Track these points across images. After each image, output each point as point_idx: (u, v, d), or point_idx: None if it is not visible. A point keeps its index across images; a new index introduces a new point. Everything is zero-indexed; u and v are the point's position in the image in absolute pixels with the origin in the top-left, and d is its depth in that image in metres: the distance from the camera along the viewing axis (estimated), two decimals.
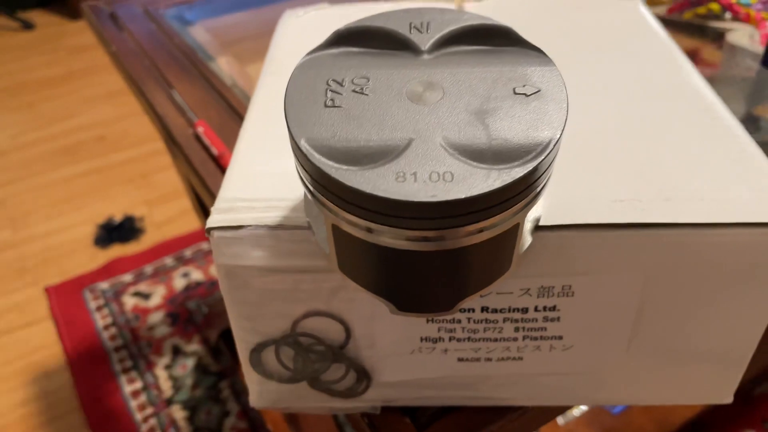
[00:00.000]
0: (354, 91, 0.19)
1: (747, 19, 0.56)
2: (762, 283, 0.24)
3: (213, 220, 0.23)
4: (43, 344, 1.02)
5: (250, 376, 0.28)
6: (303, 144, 0.18)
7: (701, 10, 0.57)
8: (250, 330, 0.26)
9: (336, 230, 0.20)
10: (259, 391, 0.28)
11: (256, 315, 0.25)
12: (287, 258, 0.23)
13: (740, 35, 0.58)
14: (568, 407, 0.32)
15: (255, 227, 0.23)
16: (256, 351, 0.26)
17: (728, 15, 0.57)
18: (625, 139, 0.26)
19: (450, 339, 0.26)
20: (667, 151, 0.25)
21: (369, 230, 0.18)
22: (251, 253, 0.23)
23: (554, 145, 0.18)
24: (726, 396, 0.29)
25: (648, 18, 0.36)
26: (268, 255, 0.23)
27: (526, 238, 0.22)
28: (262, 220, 0.23)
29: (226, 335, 0.99)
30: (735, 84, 0.62)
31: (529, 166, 0.17)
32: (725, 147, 0.26)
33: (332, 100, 0.19)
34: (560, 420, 0.72)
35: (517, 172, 0.17)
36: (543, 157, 0.17)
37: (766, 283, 0.24)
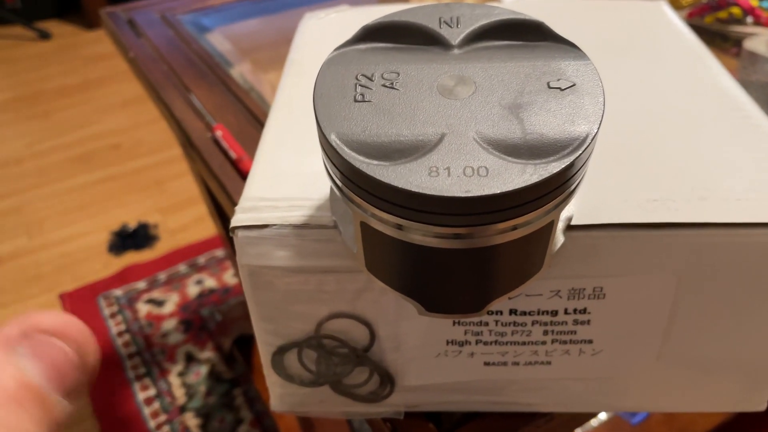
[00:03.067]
0: (384, 85, 0.19)
1: None
2: None
3: (237, 219, 0.23)
4: None
5: (272, 380, 0.27)
6: (333, 139, 0.17)
7: (722, 14, 0.56)
8: (272, 332, 0.25)
9: (365, 228, 0.19)
10: (280, 395, 0.28)
11: (279, 316, 0.25)
12: (312, 258, 0.23)
13: (758, 41, 0.57)
14: (596, 414, 0.31)
15: (280, 226, 0.23)
16: (279, 353, 0.26)
17: (750, 19, 0.56)
18: (656, 138, 0.26)
19: (477, 342, 0.25)
20: (699, 150, 0.25)
21: (399, 227, 0.18)
22: (275, 252, 0.23)
23: (591, 140, 0.17)
24: (759, 404, 0.28)
25: (672, 18, 0.35)
26: (292, 255, 0.23)
27: (559, 238, 0.22)
28: (286, 219, 0.23)
29: (240, 342, 0.98)
30: (754, 91, 0.61)
31: (567, 161, 0.17)
32: (759, 146, 0.25)
33: (362, 94, 0.19)
34: (578, 430, 0.71)
35: (554, 166, 0.16)
36: (581, 152, 0.17)
37: None
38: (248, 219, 0.23)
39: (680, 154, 0.25)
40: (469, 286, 0.20)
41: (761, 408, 0.28)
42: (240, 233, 0.23)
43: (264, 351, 0.26)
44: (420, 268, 0.20)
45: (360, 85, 0.19)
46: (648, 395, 0.27)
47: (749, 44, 0.60)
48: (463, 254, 0.18)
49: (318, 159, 0.25)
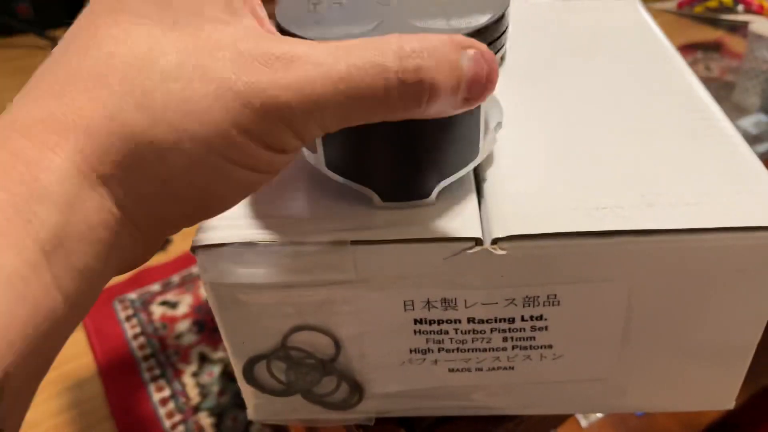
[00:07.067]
0: (333, 3, 0.22)
1: (761, 11, 0.54)
2: (750, 288, 0.23)
3: (198, 239, 0.24)
4: (75, 354, 1.05)
5: (246, 390, 0.28)
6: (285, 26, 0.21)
7: (712, 3, 0.55)
8: (241, 345, 0.26)
9: None
10: (255, 405, 0.29)
11: (246, 331, 0.26)
12: (272, 274, 0.24)
13: (764, 24, 0.56)
14: (567, 416, 0.31)
15: (238, 245, 0.23)
16: (249, 365, 0.27)
17: (741, 8, 0.55)
18: (611, 144, 0.26)
19: (439, 350, 0.26)
20: (653, 155, 0.25)
21: None
22: (236, 270, 0.24)
23: (503, 14, 0.21)
24: (727, 401, 0.28)
25: (646, 18, 0.35)
26: (252, 272, 0.24)
27: (491, 135, 0.24)
28: (245, 238, 0.23)
29: None
30: (756, 76, 0.60)
31: (482, 23, 0.20)
32: (714, 149, 0.25)
33: (314, 5, 0.22)
34: (583, 422, 0.71)
35: (473, 26, 0.20)
36: (495, 20, 0.20)
37: (754, 287, 0.23)
38: (208, 238, 0.24)
39: (634, 160, 0.25)
40: (413, 168, 0.23)
41: (730, 406, 0.28)
42: (201, 252, 0.24)
43: (236, 363, 0.27)
44: (370, 152, 0.23)
45: (313, 3, 0.22)
46: (614, 397, 0.28)
47: (755, 27, 0.59)
48: (400, 128, 0.20)
49: (280, 178, 0.26)
